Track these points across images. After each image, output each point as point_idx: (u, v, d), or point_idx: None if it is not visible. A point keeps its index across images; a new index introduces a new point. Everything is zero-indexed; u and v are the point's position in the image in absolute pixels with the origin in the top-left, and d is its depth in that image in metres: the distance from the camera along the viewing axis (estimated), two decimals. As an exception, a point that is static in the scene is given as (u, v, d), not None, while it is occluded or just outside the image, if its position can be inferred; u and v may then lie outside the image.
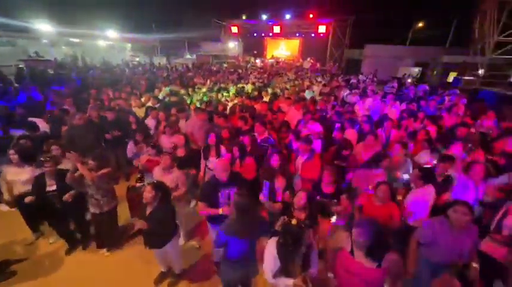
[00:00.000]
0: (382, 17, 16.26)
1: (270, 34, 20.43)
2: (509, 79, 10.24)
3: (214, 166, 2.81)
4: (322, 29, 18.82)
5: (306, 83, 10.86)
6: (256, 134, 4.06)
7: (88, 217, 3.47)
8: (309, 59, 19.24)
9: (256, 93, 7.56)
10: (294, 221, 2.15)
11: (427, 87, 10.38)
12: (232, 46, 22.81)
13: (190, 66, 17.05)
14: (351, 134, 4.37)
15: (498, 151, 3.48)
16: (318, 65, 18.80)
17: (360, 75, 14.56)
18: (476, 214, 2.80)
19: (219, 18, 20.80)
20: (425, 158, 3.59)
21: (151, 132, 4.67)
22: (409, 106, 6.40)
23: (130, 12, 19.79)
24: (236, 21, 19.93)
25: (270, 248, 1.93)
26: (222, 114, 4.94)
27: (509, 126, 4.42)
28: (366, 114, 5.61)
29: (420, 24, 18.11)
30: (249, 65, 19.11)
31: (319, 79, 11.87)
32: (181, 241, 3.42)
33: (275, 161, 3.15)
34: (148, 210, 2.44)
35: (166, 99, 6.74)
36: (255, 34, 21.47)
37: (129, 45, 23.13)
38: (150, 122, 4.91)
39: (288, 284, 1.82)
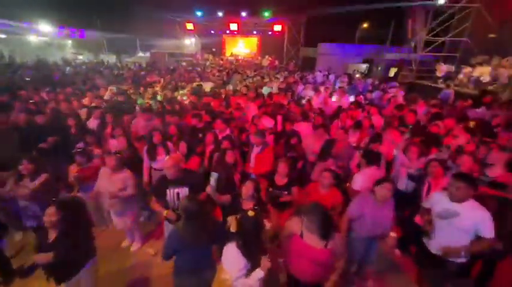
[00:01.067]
0: (332, 17, 17.30)
1: (228, 31, 20.17)
2: (436, 73, 11.83)
3: (164, 163, 2.68)
4: (277, 27, 19.28)
5: (265, 80, 11.05)
6: (217, 131, 3.98)
7: (18, 237, 3.01)
8: (267, 56, 19.58)
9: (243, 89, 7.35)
10: (250, 213, 2.14)
11: (374, 81, 11.43)
12: (189, 43, 22.00)
13: (143, 64, 16.00)
14: (304, 127, 4.56)
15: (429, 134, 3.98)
16: (277, 62, 19.27)
17: (316, 72, 15.33)
18: (410, 188, 3.18)
19: (173, 15, 19.82)
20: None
21: (94, 134, 4.23)
22: (357, 98, 6.97)
23: (69, 3, 17.56)
24: (191, 17, 19.21)
25: (231, 252, 1.86)
26: (175, 112, 4.72)
27: (437, 112, 5.07)
28: (319, 107, 5.93)
29: (365, 25, 19.83)
30: (207, 63, 18.69)
31: (277, 76, 12.16)
32: (135, 246, 3.20)
33: (230, 157, 3.12)
34: (52, 235, 1.91)
35: (114, 98, 6.19)
36: (212, 31, 21.00)
37: (69, 41, 20.66)
38: (92, 123, 4.44)
39: (259, 276, 1.78)
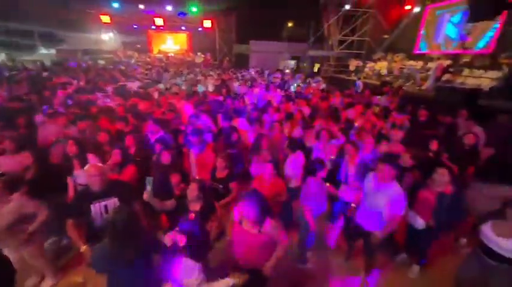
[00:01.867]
0: (260, 15, 17.99)
1: (153, 27, 18.60)
2: (349, 68, 13.90)
3: (85, 172, 2.34)
4: (207, 23, 18.83)
5: (199, 78, 10.75)
6: (148, 133, 3.66)
7: None
8: (199, 53, 19.03)
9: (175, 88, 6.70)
10: (191, 216, 2.09)
11: (302, 76, 12.55)
12: (108, 39, 19.36)
13: (47, 63, 13.30)
14: (240, 122, 4.66)
15: (343, 120, 4.64)
16: (211, 60, 18.95)
17: (250, 69, 15.78)
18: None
19: (84, 5, 16.96)
20: (299, 133, 4.33)
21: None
22: (287, 92, 7.53)
23: None
24: (107, 9, 16.83)
25: (183, 263, 1.76)
26: (90, 117, 4.12)
27: (349, 101, 5.96)
28: (253, 103, 6.15)
29: (290, 24, 21.42)
30: (133, 61, 16.92)
31: (211, 73, 11.98)
32: (46, 284, 2.65)
33: (165, 158, 2.96)
34: None
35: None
36: (135, 26, 18.98)
37: None
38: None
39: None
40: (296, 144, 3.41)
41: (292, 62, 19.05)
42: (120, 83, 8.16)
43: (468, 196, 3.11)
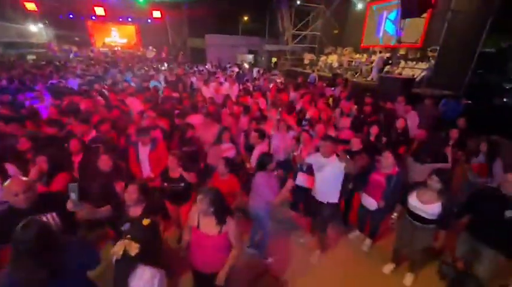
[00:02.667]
0: (215, 9, 17.45)
1: (93, 17, 16.61)
2: (304, 61, 14.47)
3: (5, 191, 1.92)
4: (156, 14, 17.48)
5: (151, 73, 10.03)
6: (79, 135, 3.22)
7: None
8: (151, 47, 17.72)
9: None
10: (145, 222, 1.87)
11: (260, 70, 12.62)
12: (37, 30, 16.66)
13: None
14: (196, 118, 4.45)
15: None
16: (164, 54, 17.81)
17: (207, 64, 15.30)
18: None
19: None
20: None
21: None
22: (245, 86, 7.49)
23: None
24: (32, -5, 14.39)
25: (143, 275, 1.54)
26: (15, 119, 3.50)
27: (304, 93, 6.20)
28: (211, 97, 5.97)
29: (245, 18, 21.28)
30: (71, 56, 14.96)
31: (162, 68, 11.29)
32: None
33: (104, 163, 2.61)
34: None
35: None
36: (71, 16, 16.65)
37: None
38: None
39: None
40: (264, 134, 3.46)
41: (250, 56, 19.08)
42: (52, 81, 7.13)
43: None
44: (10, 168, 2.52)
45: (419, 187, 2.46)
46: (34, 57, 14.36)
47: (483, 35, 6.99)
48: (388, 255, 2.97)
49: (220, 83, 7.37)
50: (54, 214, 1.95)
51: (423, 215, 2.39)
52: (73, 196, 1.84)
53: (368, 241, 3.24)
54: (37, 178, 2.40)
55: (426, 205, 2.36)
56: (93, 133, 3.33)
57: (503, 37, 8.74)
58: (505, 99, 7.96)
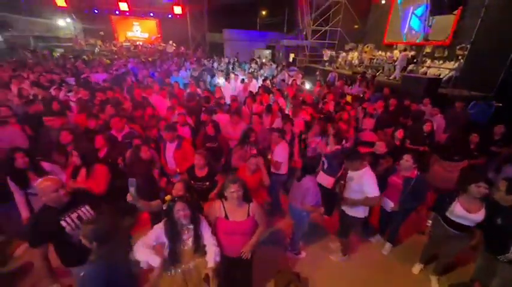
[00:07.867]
0: (233, 4, 17.40)
1: (117, 12, 17.11)
2: (323, 57, 14.20)
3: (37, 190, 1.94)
4: (177, 10, 17.80)
5: (173, 67, 10.26)
6: (113, 131, 3.42)
7: None
8: (171, 42, 18.03)
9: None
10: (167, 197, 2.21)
11: (278, 66, 12.53)
12: (65, 25, 17.42)
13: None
14: (222, 117, 4.53)
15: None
16: (183, 48, 18.07)
17: (225, 59, 15.36)
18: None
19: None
20: (279, 124, 4.38)
21: None
22: (264, 83, 7.50)
23: None
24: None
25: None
26: (57, 113, 3.76)
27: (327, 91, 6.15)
28: (233, 94, 6.06)
29: (264, 13, 21.06)
30: (96, 50, 15.56)
31: (186, 63, 11.49)
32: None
33: (145, 153, 2.83)
34: None
35: None
36: (96, 11, 17.26)
37: None
38: None
39: None
40: (284, 133, 3.51)
41: (267, 52, 18.93)
42: (84, 76, 7.50)
43: (430, 173, 3.48)
44: (46, 165, 2.64)
45: (457, 195, 2.40)
46: (62, 50, 15.06)
47: (520, 33, 6.58)
48: (409, 259, 2.96)
49: (242, 81, 7.39)
50: (87, 207, 2.05)
51: (467, 223, 2.36)
52: (132, 190, 2.01)
53: (388, 245, 3.24)
54: (72, 172, 2.60)
55: (472, 214, 2.32)
56: (127, 129, 3.52)
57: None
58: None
